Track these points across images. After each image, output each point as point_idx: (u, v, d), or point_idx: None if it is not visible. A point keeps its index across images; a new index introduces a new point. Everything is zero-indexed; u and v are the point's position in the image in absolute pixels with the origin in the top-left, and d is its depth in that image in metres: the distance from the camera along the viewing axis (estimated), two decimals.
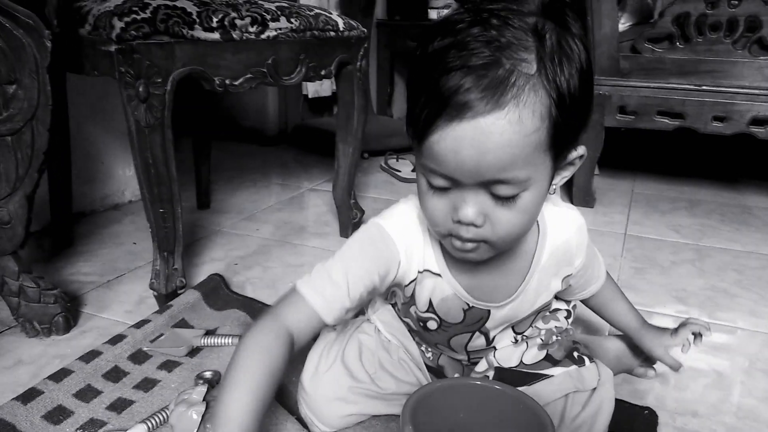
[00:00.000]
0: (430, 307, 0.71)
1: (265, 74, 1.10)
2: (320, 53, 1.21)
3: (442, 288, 0.69)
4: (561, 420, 0.71)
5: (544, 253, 0.70)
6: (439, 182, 0.56)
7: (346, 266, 0.65)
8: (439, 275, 0.68)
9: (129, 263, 1.29)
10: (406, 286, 0.70)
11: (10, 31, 0.84)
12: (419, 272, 0.69)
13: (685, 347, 0.85)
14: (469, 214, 0.56)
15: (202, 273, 1.23)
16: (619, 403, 0.76)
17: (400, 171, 2.09)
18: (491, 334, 0.75)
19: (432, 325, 0.74)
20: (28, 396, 0.79)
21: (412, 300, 0.72)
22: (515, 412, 0.66)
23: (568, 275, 0.75)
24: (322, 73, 1.23)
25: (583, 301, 0.87)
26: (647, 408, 0.85)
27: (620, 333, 0.92)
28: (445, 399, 0.67)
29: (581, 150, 0.60)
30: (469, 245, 0.59)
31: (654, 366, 0.93)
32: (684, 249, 1.50)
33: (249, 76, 1.07)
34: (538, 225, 0.70)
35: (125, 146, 1.67)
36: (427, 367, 0.82)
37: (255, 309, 1.07)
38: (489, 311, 0.71)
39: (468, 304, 0.70)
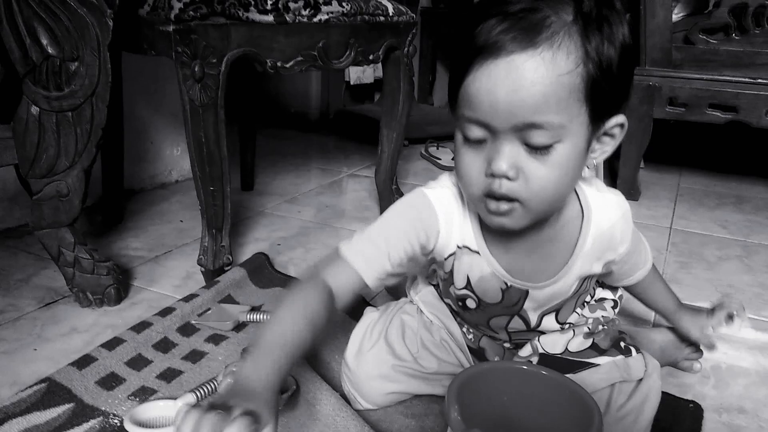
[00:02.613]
0: (468, 285, 0.71)
1: (316, 57, 1.11)
2: (369, 38, 1.21)
3: (481, 266, 0.69)
4: (606, 409, 0.70)
5: (588, 238, 0.69)
6: (474, 132, 0.56)
7: (387, 229, 0.66)
8: (477, 252, 0.68)
9: (176, 240, 1.32)
10: (445, 260, 0.70)
11: (75, 9, 0.87)
12: (458, 247, 0.68)
13: (728, 323, 0.84)
14: (502, 166, 0.54)
15: (247, 252, 1.26)
16: (663, 395, 0.75)
17: (440, 159, 2.09)
18: (530, 318, 0.75)
19: (471, 303, 0.74)
20: (83, 362, 0.83)
21: (450, 277, 0.72)
22: (560, 397, 0.65)
23: (611, 260, 0.74)
24: (371, 57, 1.24)
25: (626, 288, 0.86)
26: (692, 402, 0.84)
27: (666, 325, 0.91)
28: (490, 382, 0.68)
29: (621, 118, 0.59)
30: (504, 206, 0.57)
31: (699, 360, 0.92)
32: (731, 245, 1.46)
33: (300, 59, 1.08)
34: (582, 209, 0.68)
35: (173, 127, 1.71)
36: (469, 348, 0.83)
37: None
38: (527, 292, 0.71)
39: (506, 284, 0.70)
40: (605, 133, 0.59)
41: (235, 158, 1.62)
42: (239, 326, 0.95)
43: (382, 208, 1.51)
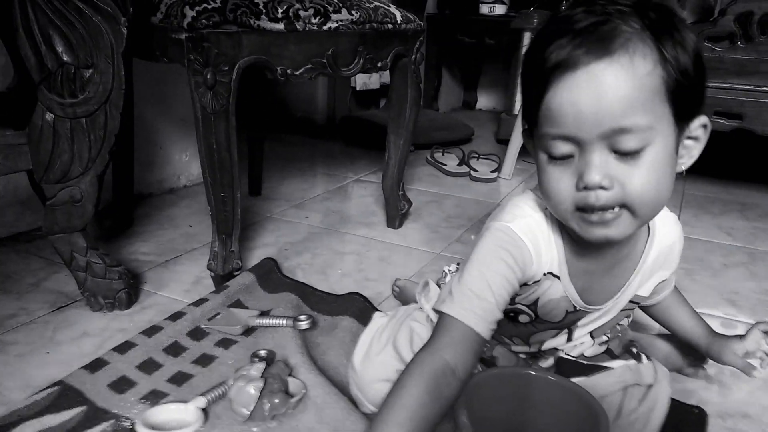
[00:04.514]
0: (533, 305, 0.71)
1: (325, 65, 1.12)
2: (378, 45, 1.23)
3: (556, 289, 0.68)
4: (618, 414, 0.71)
5: (651, 254, 0.70)
6: (561, 148, 0.56)
7: (487, 278, 0.63)
8: (557, 277, 0.67)
9: (185, 245, 1.34)
10: (528, 286, 0.68)
11: (90, 17, 0.88)
12: (543, 274, 0.67)
13: (764, 362, 0.82)
14: (595, 177, 0.54)
15: (255, 257, 1.27)
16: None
17: (445, 165, 2.10)
18: (576, 335, 0.76)
19: (523, 319, 0.73)
20: (95, 365, 0.84)
21: (513, 298, 0.69)
22: (568, 402, 0.66)
23: (663, 281, 0.76)
24: (379, 65, 1.25)
25: (645, 309, 0.87)
26: (697, 407, 0.84)
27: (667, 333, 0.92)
28: (498, 387, 0.68)
29: (704, 119, 0.59)
30: (608, 215, 0.56)
31: (704, 366, 0.92)
32: (736, 252, 1.47)
33: (309, 66, 1.10)
34: (648, 225, 0.69)
35: (182, 133, 1.73)
36: (480, 358, 0.83)
37: (307, 293, 1.10)
38: (590, 312, 0.72)
39: (575, 307, 0.70)
40: (689, 137, 0.59)
41: (242, 164, 1.62)
42: (249, 330, 0.96)
43: (389, 215, 1.52)
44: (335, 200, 1.74)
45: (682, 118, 0.56)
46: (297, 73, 1.08)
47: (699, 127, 0.59)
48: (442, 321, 0.63)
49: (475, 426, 0.59)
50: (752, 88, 1.54)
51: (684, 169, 0.60)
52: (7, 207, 1.30)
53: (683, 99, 0.54)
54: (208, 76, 0.96)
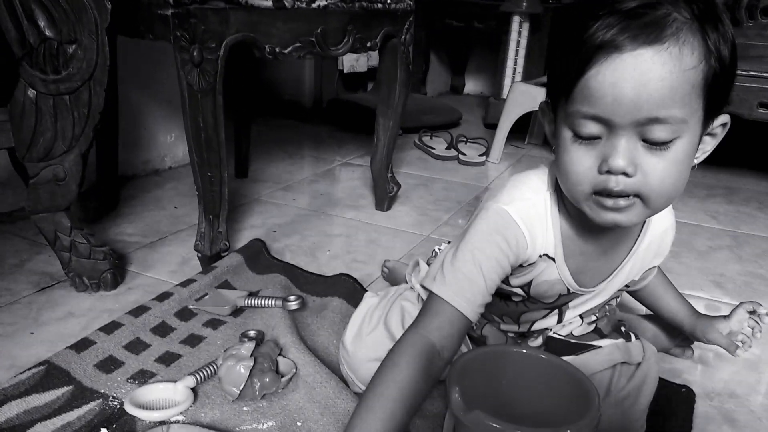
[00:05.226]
0: (526, 286, 0.71)
1: (314, 44, 1.11)
2: (367, 25, 1.21)
3: (551, 272, 0.68)
4: (607, 391, 0.72)
5: (645, 240, 0.70)
6: (590, 128, 0.55)
7: (479, 262, 0.63)
8: (552, 260, 0.67)
9: (171, 226, 1.32)
10: (523, 268, 0.68)
11: None
12: (539, 256, 0.67)
13: (746, 343, 0.83)
14: (620, 162, 0.53)
15: (243, 238, 1.26)
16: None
17: (434, 148, 2.09)
18: (566, 316, 0.76)
19: (515, 298, 0.74)
20: (81, 345, 0.83)
21: (506, 279, 0.70)
22: (559, 380, 0.66)
23: (651, 267, 0.77)
24: (368, 45, 1.23)
25: (630, 292, 0.88)
26: (684, 386, 0.85)
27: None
28: (490, 365, 0.68)
29: (725, 117, 0.59)
30: (623, 201, 0.56)
31: (691, 346, 0.93)
32: (721, 235, 1.48)
33: (298, 45, 1.08)
34: None
35: (167, 113, 1.70)
36: (469, 336, 0.84)
37: (296, 274, 1.09)
38: (582, 294, 0.72)
39: (568, 290, 0.70)
40: (708, 134, 0.59)
41: (229, 146, 1.60)
42: (237, 311, 0.95)
43: (378, 197, 1.51)
44: (323, 183, 1.73)
45: (710, 114, 0.56)
46: (285, 51, 1.07)
47: (720, 125, 0.59)
48: (431, 301, 0.64)
49: (466, 403, 0.59)
50: (739, 72, 1.54)
51: (696, 164, 0.59)
52: None
53: (716, 94, 0.54)
54: (195, 53, 0.94)
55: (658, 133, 0.53)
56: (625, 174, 0.54)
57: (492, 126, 2.18)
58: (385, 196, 1.49)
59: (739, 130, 2.11)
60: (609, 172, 0.54)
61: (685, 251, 1.37)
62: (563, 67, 0.56)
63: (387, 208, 1.51)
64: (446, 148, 2.08)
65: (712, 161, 2.06)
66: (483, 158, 2.02)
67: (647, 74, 0.50)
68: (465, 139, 2.15)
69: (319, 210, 1.50)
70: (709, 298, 1.15)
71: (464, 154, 2.03)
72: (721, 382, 0.89)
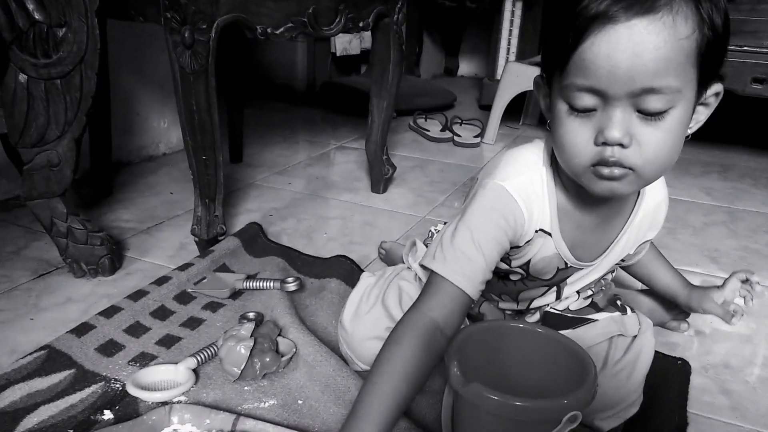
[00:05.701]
0: (524, 265, 0.71)
1: (305, 24, 1.10)
2: (359, 4, 1.20)
3: (548, 247, 0.68)
4: (604, 364, 0.72)
5: (639, 212, 0.70)
6: (585, 101, 0.55)
7: (478, 240, 0.63)
8: (549, 234, 0.67)
9: (167, 212, 1.32)
10: (521, 247, 0.69)
11: None
12: (536, 231, 0.67)
13: (738, 314, 0.84)
14: (616, 133, 0.53)
15: (239, 223, 1.26)
16: (654, 354, 0.77)
17: (428, 130, 2.08)
18: (564, 292, 0.77)
19: (514, 277, 0.74)
20: (82, 330, 0.83)
21: (507, 258, 0.71)
22: (557, 353, 0.67)
23: (645, 241, 0.77)
24: (360, 24, 1.23)
25: (625, 267, 0.88)
26: (680, 359, 0.86)
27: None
28: (489, 340, 0.69)
29: (718, 87, 0.58)
30: (617, 171, 0.56)
31: (687, 320, 0.94)
32: (716, 211, 1.49)
33: (290, 25, 1.07)
34: None
35: (160, 98, 1.69)
36: (468, 315, 0.84)
37: (293, 257, 1.09)
38: (580, 269, 0.72)
39: (566, 264, 0.71)
40: (701, 103, 0.59)
41: (222, 130, 1.60)
42: (236, 294, 0.96)
43: (373, 179, 1.51)
44: (318, 167, 1.72)
45: (703, 83, 0.56)
46: (277, 32, 1.06)
47: (713, 94, 0.59)
48: (432, 280, 0.64)
49: (465, 377, 0.60)
50: (733, 47, 1.54)
51: (690, 133, 0.59)
52: None
53: (709, 62, 0.54)
54: (186, 35, 0.93)
55: (653, 103, 0.53)
56: (621, 145, 0.54)
57: (487, 107, 2.18)
58: (380, 178, 1.49)
59: (734, 106, 2.12)
60: (605, 143, 0.55)
61: (680, 227, 1.38)
62: (557, 39, 0.55)
63: (383, 191, 1.51)
64: (441, 130, 2.08)
65: (708, 138, 2.07)
66: (478, 139, 2.02)
67: (642, 44, 0.50)
68: (460, 121, 2.14)
69: (314, 193, 1.50)
70: (704, 273, 1.16)
71: (459, 136, 2.02)
72: (717, 355, 0.90)
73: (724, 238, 1.33)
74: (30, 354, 0.77)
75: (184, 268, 1.00)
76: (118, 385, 0.73)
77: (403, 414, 0.62)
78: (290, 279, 0.95)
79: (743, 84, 1.56)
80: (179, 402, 0.71)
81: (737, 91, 1.58)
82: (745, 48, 1.53)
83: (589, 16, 0.52)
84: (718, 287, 0.85)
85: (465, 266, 0.63)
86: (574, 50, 0.53)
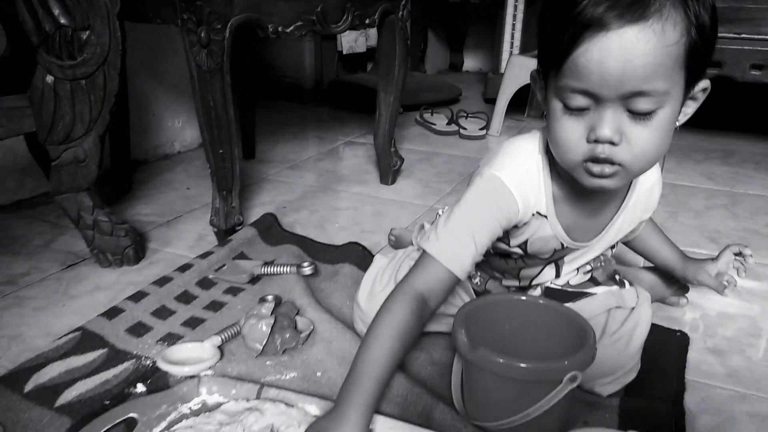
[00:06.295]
0: (522, 244, 0.76)
1: (315, 22, 1.15)
2: (365, 2, 1.25)
3: (544, 229, 0.73)
4: (602, 333, 0.77)
5: (633, 196, 0.75)
6: (578, 101, 0.58)
7: (470, 225, 0.68)
8: (545, 217, 0.72)
9: (185, 206, 1.37)
10: (518, 228, 0.73)
11: None
12: (532, 215, 0.71)
13: (730, 285, 0.89)
14: (607, 132, 0.57)
15: (254, 215, 1.30)
16: (652, 326, 0.81)
17: (434, 124, 2.13)
18: (563, 270, 0.81)
19: (514, 256, 0.79)
20: (112, 313, 0.88)
21: (506, 238, 0.75)
22: (558, 323, 0.72)
23: (642, 221, 0.82)
24: (367, 21, 1.27)
25: (625, 243, 0.93)
26: (679, 330, 0.90)
27: (652, 265, 0.98)
28: (493, 312, 0.74)
29: (706, 83, 0.62)
30: (608, 169, 0.60)
31: (686, 295, 0.98)
32: (717, 195, 1.52)
33: (299, 23, 1.12)
34: None
35: (174, 99, 1.75)
36: (474, 291, 0.89)
37: (307, 245, 1.14)
38: (576, 249, 0.77)
39: (562, 245, 0.75)
40: (689, 98, 0.63)
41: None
42: (254, 279, 1.01)
43: (382, 172, 1.56)
44: (328, 161, 1.77)
45: (691, 81, 0.60)
46: (288, 30, 1.11)
47: (701, 90, 0.63)
48: (423, 258, 0.70)
49: (472, 343, 0.64)
50: (731, 35, 1.57)
51: (678, 125, 0.63)
52: (8, 175, 1.33)
53: (697, 62, 0.58)
54: (202, 35, 0.98)
55: (642, 104, 0.57)
56: (612, 143, 0.58)
57: (491, 101, 2.22)
58: (389, 170, 1.53)
59: (734, 93, 2.15)
60: (596, 141, 0.59)
61: (681, 210, 1.41)
62: (553, 42, 0.59)
63: (391, 182, 1.56)
64: (447, 124, 2.12)
65: (709, 125, 2.11)
66: (483, 132, 2.06)
67: (631, 51, 0.54)
68: (465, 114, 2.18)
69: (325, 186, 1.55)
70: (705, 253, 1.19)
71: (465, 129, 2.07)
72: (716, 326, 0.94)
73: (725, 219, 1.37)
74: (65, 335, 0.83)
75: (204, 256, 1.05)
76: (148, 362, 0.79)
77: (407, 374, 0.73)
78: (306, 263, 1.00)
79: (742, 71, 1.59)
80: (206, 375, 0.76)
81: (736, 78, 1.61)
82: (743, 35, 1.56)
83: (583, 23, 0.55)
84: (712, 260, 0.89)
85: (455, 249, 0.68)
86: (569, 55, 0.57)
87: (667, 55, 0.55)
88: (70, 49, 0.94)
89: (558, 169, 0.70)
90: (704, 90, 0.63)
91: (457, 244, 0.68)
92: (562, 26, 0.57)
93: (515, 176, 0.69)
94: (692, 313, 0.97)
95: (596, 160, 0.60)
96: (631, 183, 0.75)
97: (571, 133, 0.61)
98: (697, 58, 0.57)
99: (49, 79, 0.94)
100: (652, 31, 0.54)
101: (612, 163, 0.60)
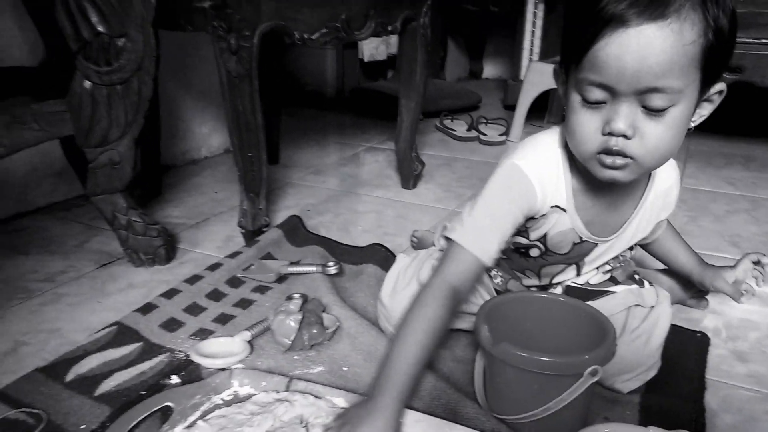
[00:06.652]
0: (542, 239, 0.78)
1: (339, 29, 1.18)
2: (388, 9, 1.28)
3: (563, 222, 0.75)
4: (622, 331, 0.78)
5: (650, 195, 0.77)
6: (595, 94, 0.61)
7: (493, 212, 0.71)
8: (564, 210, 0.74)
9: (213, 209, 1.41)
10: (536, 220, 0.75)
11: None
12: (550, 207, 0.74)
13: (748, 294, 0.90)
14: (621, 126, 0.60)
15: (280, 217, 1.34)
16: (672, 327, 0.82)
17: (455, 130, 2.15)
18: (584, 268, 0.83)
19: (534, 252, 0.80)
20: (146, 309, 0.92)
21: (526, 232, 0.78)
22: (578, 320, 0.73)
23: (660, 221, 0.83)
24: (389, 28, 1.31)
25: (644, 247, 0.94)
26: (699, 332, 0.91)
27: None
28: (515, 309, 0.76)
29: (722, 85, 0.64)
30: (619, 161, 0.62)
31: (707, 297, 0.99)
32: (738, 200, 1.53)
33: (324, 30, 1.16)
34: None
35: (202, 106, 1.79)
36: (496, 291, 0.91)
37: (332, 246, 1.17)
38: (596, 245, 0.79)
39: (581, 238, 0.77)
40: (705, 100, 0.65)
41: None
42: (281, 278, 1.04)
43: (403, 176, 1.59)
44: (350, 166, 1.81)
45: (707, 83, 0.62)
46: (313, 37, 1.14)
47: (716, 92, 0.65)
48: (450, 248, 0.72)
49: (494, 339, 0.66)
50: (751, 40, 1.58)
51: (692, 126, 0.66)
52: (43, 178, 1.38)
53: (713, 64, 0.60)
54: (232, 42, 1.02)
55: (656, 101, 0.59)
56: (625, 136, 0.61)
57: (511, 108, 2.23)
58: (410, 174, 1.56)
59: (755, 98, 2.14)
60: (611, 133, 0.61)
61: (702, 215, 1.42)
62: (575, 36, 0.62)
63: (413, 186, 1.58)
64: (467, 130, 2.15)
65: (730, 131, 2.10)
66: (503, 137, 2.08)
67: (648, 48, 0.56)
68: (485, 120, 2.20)
69: (348, 190, 1.58)
70: (725, 257, 1.20)
71: (485, 135, 2.09)
72: (736, 328, 0.95)
73: (746, 224, 1.37)
74: (102, 329, 0.86)
75: (233, 255, 1.09)
76: (182, 355, 0.82)
77: (431, 369, 0.74)
78: (331, 263, 1.03)
79: (762, 76, 1.59)
80: (237, 368, 0.78)
81: (757, 83, 1.61)
82: (764, 40, 1.56)
83: (605, 19, 0.58)
84: (730, 267, 0.90)
85: (480, 235, 0.71)
86: (589, 49, 0.60)
87: (683, 54, 0.57)
88: (107, 56, 0.98)
89: (576, 164, 0.72)
90: (720, 93, 0.65)
91: (481, 230, 0.71)
92: (584, 21, 0.60)
93: (535, 166, 0.72)
94: (713, 318, 0.98)
95: (609, 152, 0.62)
96: (648, 181, 0.76)
97: (588, 125, 0.63)
98: (714, 60, 0.59)
99: (87, 84, 0.99)
100: (670, 30, 0.56)
101: (624, 155, 0.62)
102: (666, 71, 0.57)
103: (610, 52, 0.58)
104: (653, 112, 0.60)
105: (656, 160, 0.64)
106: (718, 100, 0.66)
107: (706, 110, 0.66)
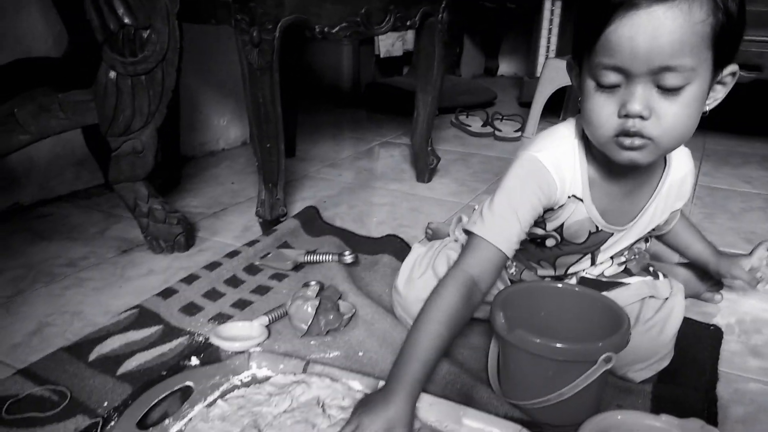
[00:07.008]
0: (558, 229, 0.79)
1: (359, 23, 1.20)
2: (407, 5, 1.30)
3: (580, 212, 0.76)
4: (636, 321, 0.79)
5: (666, 183, 0.78)
6: (610, 77, 0.62)
7: (513, 204, 0.72)
8: (581, 200, 0.75)
9: (231, 199, 1.43)
10: (554, 210, 0.76)
11: None
12: (568, 197, 0.75)
13: (763, 281, 0.91)
14: (637, 107, 0.61)
15: (296, 209, 1.35)
16: (686, 320, 0.83)
17: (470, 126, 2.16)
18: (599, 257, 0.84)
19: (550, 242, 0.81)
20: (166, 293, 0.94)
21: (543, 222, 0.78)
22: (593, 310, 0.74)
23: (675, 210, 0.84)
24: (408, 23, 1.32)
25: (659, 238, 0.95)
26: (713, 325, 0.92)
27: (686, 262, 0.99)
28: (530, 298, 0.77)
29: (734, 67, 0.65)
30: (638, 141, 0.63)
31: (721, 291, 0.99)
32: (755, 198, 1.52)
33: (344, 24, 1.17)
34: (664, 157, 0.76)
35: (220, 98, 1.82)
36: (510, 281, 0.92)
37: (347, 236, 1.19)
38: (611, 234, 0.79)
39: (597, 227, 0.78)
40: (719, 82, 0.65)
41: None
42: (298, 267, 1.05)
43: (418, 170, 1.60)
44: (366, 160, 1.82)
45: (719, 63, 0.62)
46: (333, 31, 1.16)
47: (729, 74, 0.65)
48: (471, 240, 0.73)
49: (509, 325, 0.68)
50: (765, 38, 1.57)
51: (708, 110, 0.66)
52: (66, 167, 1.41)
53: (724, 45, 0.60)
54: (254, 34, 1.04)
55: (671, 80, 0.60)
56: (641, 117, 0.62)
57: (527, 105, 2.24)
58: (425, 168, 1.57)
59: None
60: (627, 115, 0.62)
61: (718, 213, 1.42)
62: (587, 23, 0.64)
63: (428, 180, 1.59)
64: (482, 126, 2.15)
65: (747, 130, 2.09)
66: (519, 134, 2.09)
67: (659, 28, 0.58)
68: (500, 116, 2.21)
69: (364, 183, 1.59)
70: (741, 254, 1.20)
71: (500, 131, 2.09)
72: (749, 323, 0.95)
73: (761, 222, 1.37)
74: (124, 312, 0.89)
75: (251, 244, 1.11)
76: (201, 338, 0.84)
77: (445, 356, 0.75)
78: (347, 252, 1.05)
79: None
80: (255, 351, 0.80)
81: None
82: None
83: (616, 2, 0.59)
84: (746, 255, 0.91)
85: (501, 227, 0.72)
86: (601, 33, 0.61)
87: (693, 32, 0.58)
88: (132, 47, 1.00)
89: (593, 153, 0.73)
90: (733, 75, 0.66)
91: (502, 222, 0.72)
92: (595, 7, 0.61)
93: (552, 157, 0.73)
94: (727, 315, 0.98)
95: (627, 133, 0.63)
96: (664, 169, 0.77)
97: (604, 109, 0.64)
98: (725, 39, 0.60)
99: (112, 74, 1.01)
100: (679, 10, 0.57)
101: (642, 136, 0.63)
102: (677, 50, 0.58)
103: (622, 34, 0.59)
104: (668, 91, 0.61)
105: (674, 139, 0.64)
106: (731, 82, 0.66)
107: (720, 93, 0.67)
